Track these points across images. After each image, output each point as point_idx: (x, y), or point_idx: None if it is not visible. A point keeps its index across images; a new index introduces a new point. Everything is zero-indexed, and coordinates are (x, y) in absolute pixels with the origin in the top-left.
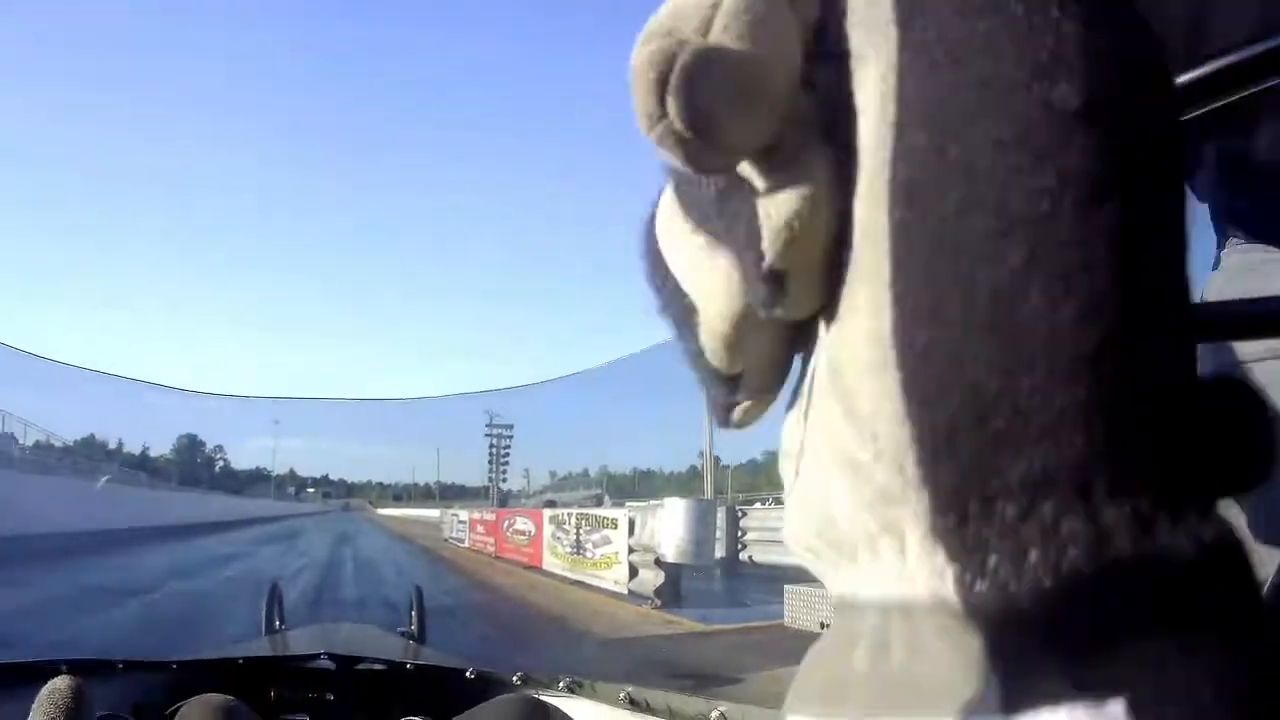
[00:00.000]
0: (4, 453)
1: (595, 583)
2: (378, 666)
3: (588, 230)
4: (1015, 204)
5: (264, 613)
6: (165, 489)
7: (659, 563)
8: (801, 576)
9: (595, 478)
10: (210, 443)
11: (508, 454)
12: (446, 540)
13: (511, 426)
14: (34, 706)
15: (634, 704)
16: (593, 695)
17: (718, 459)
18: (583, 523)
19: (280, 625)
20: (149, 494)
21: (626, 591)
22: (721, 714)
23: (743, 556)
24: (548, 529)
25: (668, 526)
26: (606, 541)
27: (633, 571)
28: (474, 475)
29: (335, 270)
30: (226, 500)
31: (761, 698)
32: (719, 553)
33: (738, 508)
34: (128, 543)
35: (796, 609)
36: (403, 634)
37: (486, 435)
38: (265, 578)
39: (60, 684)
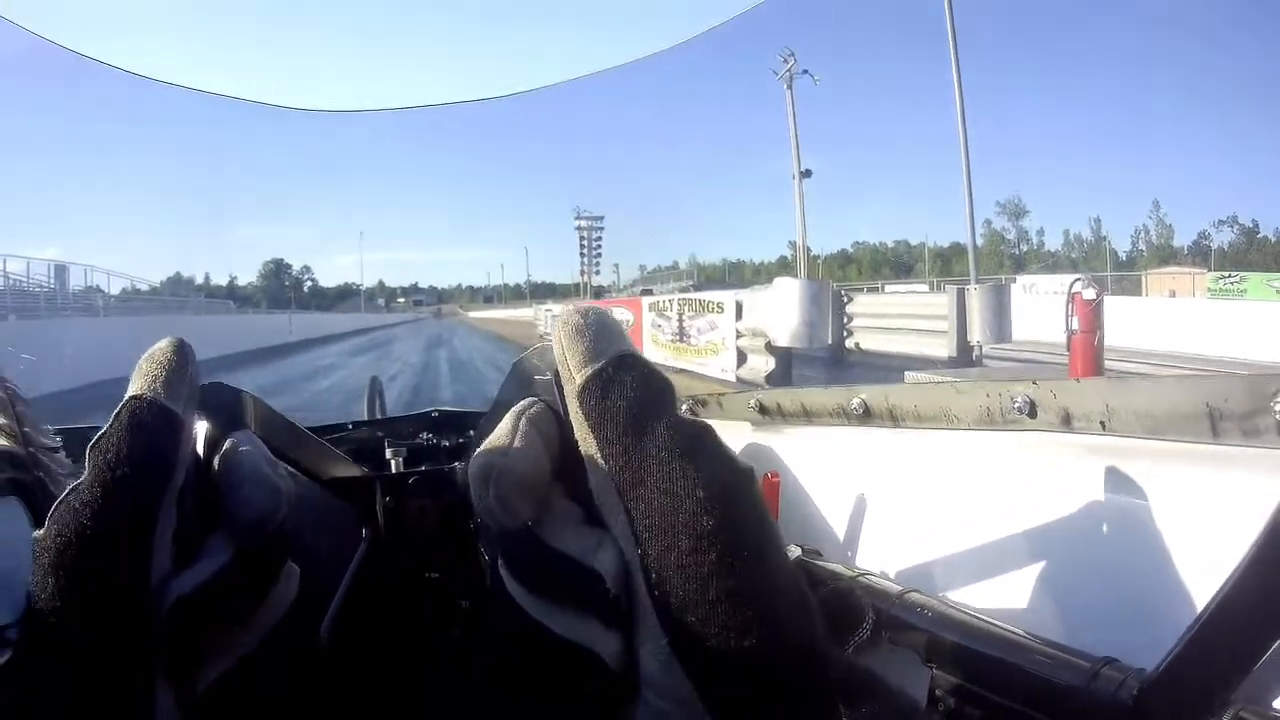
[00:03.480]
0: (89, 305)
1: (700, 370)
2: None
3: None
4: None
5: (365, 405)
6: (254, 314)
7: (769, 347)
8: (914, 364)
9: (686, 269)
10: (297, 264)
11: (599, 246)
12: (542, 337)
13: (602, 217)
14: (135, 369)
15: (764, 410)
16: (719, 413)
17: (809, 249)
18: (686, 308)
19: (382, 417)
20: (236, 320)
21: (735, 379)
22: (862, 400)
23: (849, 344)
24: (647, 317)
25: (779, 309)
26: (712, 327)
27: (741, 357)
28: (563, 273)
29: None
30: (316, 318)
31: None
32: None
33: (843, 293)
34: (215, 369)
35: None
36: None
37: (576, 229)
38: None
39: (161, 343)
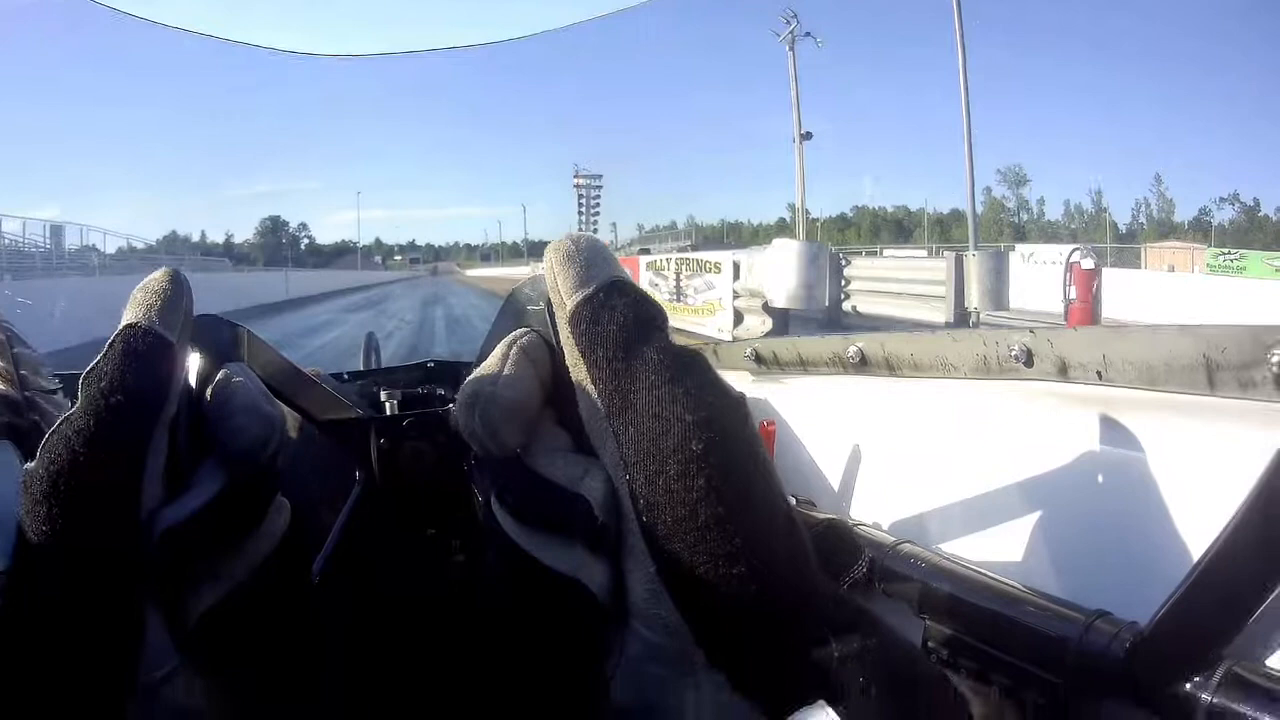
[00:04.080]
0: (85, 264)
1: (697, 330)
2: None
3: None
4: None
5: (361, 359)
6: (250, 271)
7: (767, 308)
8: (911, 328)
9: (684, 229)
10: (293, 222)
11: (597, 205)
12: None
13: (600, 176)
14: (129, 298)
15: (760, 359)
16: (715, 362)
17: (807, 212)
18: (683, 268)
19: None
20: (232, 278)
21: (731, 339)
22: (859, 349)
23: (845, 307)
24: (645, 275)
25: (777, 269)
26: (709, 287)
27: (738, 317)
28: (561, 231)
29: None
30: (312, 275)
31: None
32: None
33: (841, 256)
34: None
35: None
36: None
37: (575, 186)
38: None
39: (156, 274)
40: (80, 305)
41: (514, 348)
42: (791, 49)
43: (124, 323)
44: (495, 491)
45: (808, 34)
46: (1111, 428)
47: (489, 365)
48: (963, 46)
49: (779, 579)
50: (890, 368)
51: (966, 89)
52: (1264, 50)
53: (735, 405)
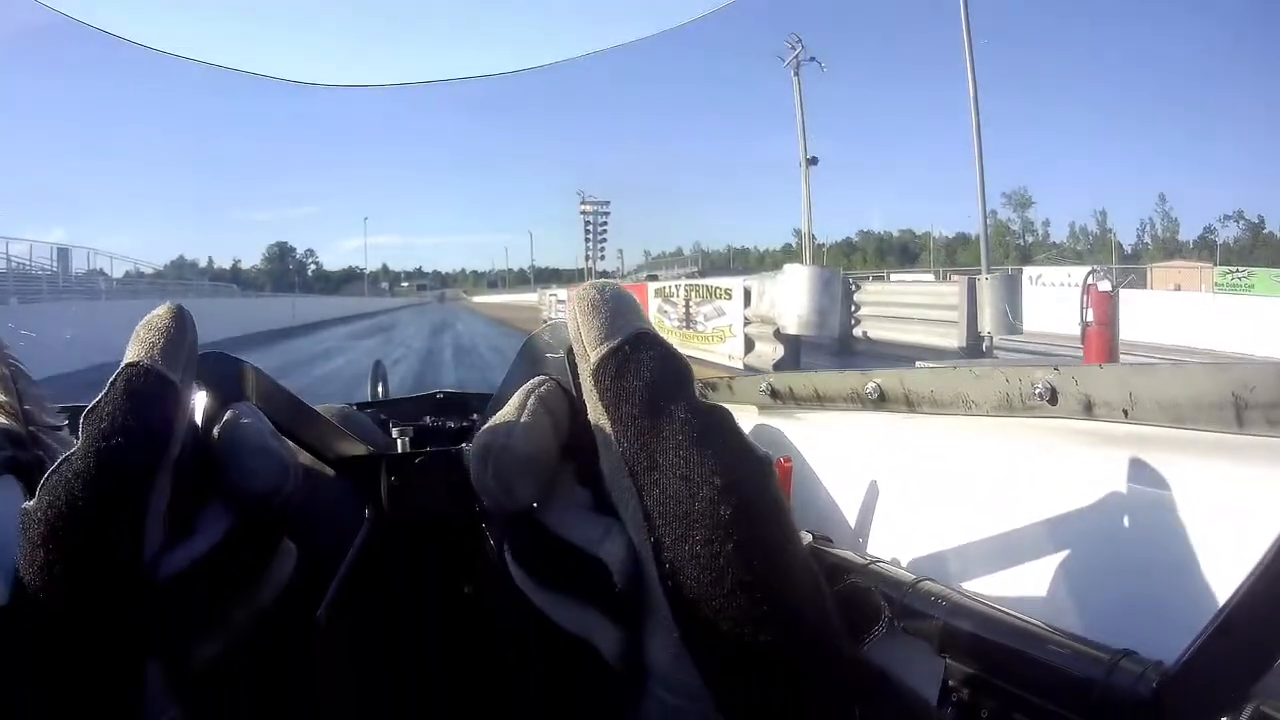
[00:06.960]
0: (91, 288)
1: (707, 357)
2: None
3: None
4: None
5: (369, 389)
6: (257, 297)
7: (778, 335)
8: (923, 354)
9: (690, 255)
10: (300, 248)
11: (604, 231)
12: (546, 321)
13: (607, 202)
14: (132, 336)
15: (775, 394)
16: (730, 397)
17: (813, 237)
18: (693, 294)
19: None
20: (239, 303)
21: (742, 366)
22: (878, 385)
23: (856, 333)
24: (653, 302)
25: (789, 295)
26: (719, 313)
27: (749, 344)
28: (568, 258)
29: None
30: (319, 301)
31: None
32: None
33: (851, 281)
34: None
35: None
36: None
37: (581, 213)
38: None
39: (159, 310)
40: (89, 330)
41: (531, 397)
42: (796, 74)
43: (125, 361)
44: (509, 545)
45: (812, 59)
46: (1138, 466)
47: (505, 414)
48: (973, 72)
49: (803, 643)
50: (910, 404)
51: (977, 116)
52: (1265, 65)
53: (762, 467)
